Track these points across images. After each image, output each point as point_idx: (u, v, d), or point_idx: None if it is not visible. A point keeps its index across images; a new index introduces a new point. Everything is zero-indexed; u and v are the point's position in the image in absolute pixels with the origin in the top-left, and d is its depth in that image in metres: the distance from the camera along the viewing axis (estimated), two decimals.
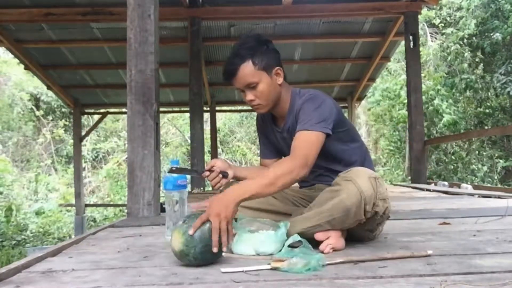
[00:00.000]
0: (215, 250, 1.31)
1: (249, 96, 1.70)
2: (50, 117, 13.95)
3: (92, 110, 9.58)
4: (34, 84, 12.95)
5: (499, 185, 9.17)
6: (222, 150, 14.87)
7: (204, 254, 1.32)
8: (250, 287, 1.11)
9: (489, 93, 10.64)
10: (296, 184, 2.02)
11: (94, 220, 11.15)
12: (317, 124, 1.59)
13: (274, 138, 1.88)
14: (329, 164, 1.76)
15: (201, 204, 1.50)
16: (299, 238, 1.39)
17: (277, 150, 1.92)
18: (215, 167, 1.73)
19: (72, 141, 11.53)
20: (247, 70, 1.65)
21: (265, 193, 1.47)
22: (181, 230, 1.33)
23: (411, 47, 5.76)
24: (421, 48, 9.51)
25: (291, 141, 1.76)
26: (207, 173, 1.72)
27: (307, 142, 1.57)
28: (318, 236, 1.51)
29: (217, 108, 9.53)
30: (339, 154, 1.75)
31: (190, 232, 1.31)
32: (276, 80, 1.71)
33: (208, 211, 1.36)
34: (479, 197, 3.75)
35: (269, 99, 1.71)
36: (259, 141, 2.00)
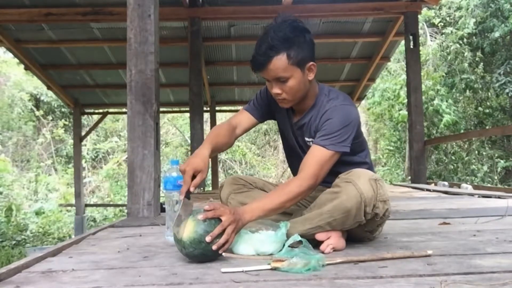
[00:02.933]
0: (208, 239, 1.33)
1: (276, 89, 1.59)
2: (50, 117, 13.95)
3: (92, 110, 9.58)
4: (34, 84, 12.95)
5: (499, 185, 9.18)
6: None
7: (210, 248, 1.35)
8: (250, 287, 1.11)
9: (489, 93, 10.65)
10: None
11: (94, 220, 11.15)
12: (338, 143, 1.55)
13: (283, 125, 1.82)
14: (337, 168, 1.69)
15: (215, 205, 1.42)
16: (299, 238, 1.39)
17: (264, 115, 1.82)
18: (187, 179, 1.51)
19: (72, 141, 11.53)
20: (280, 64, 1.52)
21: (275, 213, 1.54)
22: (195, 220, 1.36)
23: (411, 47, 5.76)
24: (420, 48, 9.50)
25: (300, 137, 1.74)
26: (192, 188, 1.52)
27: (321, 161, 1.53)
28: (319, 236, 1.51)
29: (217, 108, 9.53)
30: (347, 161, 1.71)
31: (200, 217, 1.35)
32: (308, 76, 1.61)
33: (224, 211, 1.38)
34: (479, 197, 3.75)
35: (297, 95, 1.62)
36: (254, 100, 1.82)
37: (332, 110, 1.59)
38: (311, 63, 1.60)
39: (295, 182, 1.52)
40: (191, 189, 1.49)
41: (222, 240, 1.35)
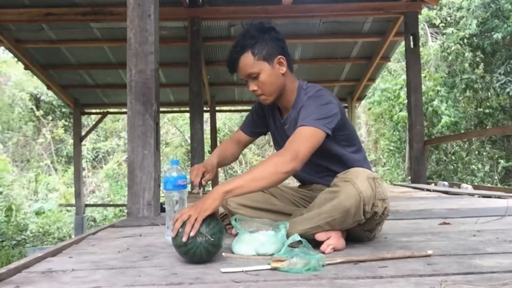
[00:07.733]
0: (184, 239, 1.32)
1: (252, 86, 1.68)
2: (50, 117, 13.95)
3: (92, 110, 9.58)
4: (34, 84, 12.95)
5: (499, 185, 9.18)
6: None
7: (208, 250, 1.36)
8: (250, 287, 1.11)
9: (489, 93, 10.65)
10: (295, 183, 2.02)
11: (94, 220, 11.16)
12: (317, 120, 1.53)
13: (273, 127, 1.86)
14: (329, 164, 1.74)
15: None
16: (299, 238, 1.39)
17: (257, 132, 1.95)
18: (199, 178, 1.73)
19: (72, 141, 11.53)
20: (247, 60, 1.63)
21: (251, 187, 1.44)
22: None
23: (411, 47, 5.76)
24: (421, 48, 9.51)
25: (290, 134, 1.76)
26: (204, 182, 1.74)
27: (301, 137, 1.52)
28: (319, 236, 1.51)
29: (217, 108, 9.52)
30: (338, 156, 1.72)
31: (172, 235, 1.36)
32: (279, 69, 1.67)
33: (183, 209, 1.39)
34: (479, 197, 3.75)
35: (272, 89, 1.68)
36: (247, 117, 1.97)
37: (307, 98, 1.65)
38: (279, 56, 1.66)
39: (274, 155, 1.53)
40: (203, 182, 1.72)
41: (187, 228, 1.33)
